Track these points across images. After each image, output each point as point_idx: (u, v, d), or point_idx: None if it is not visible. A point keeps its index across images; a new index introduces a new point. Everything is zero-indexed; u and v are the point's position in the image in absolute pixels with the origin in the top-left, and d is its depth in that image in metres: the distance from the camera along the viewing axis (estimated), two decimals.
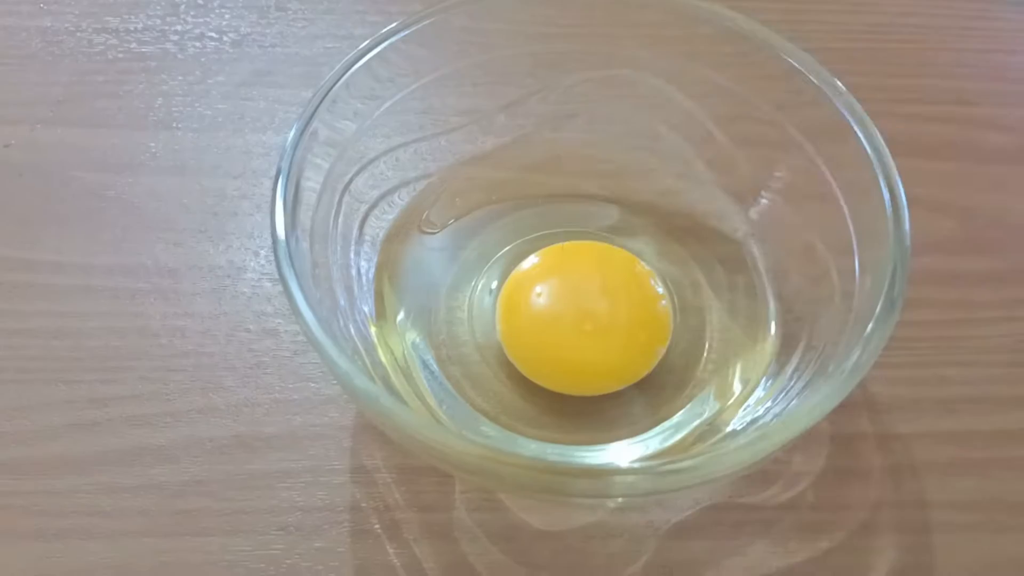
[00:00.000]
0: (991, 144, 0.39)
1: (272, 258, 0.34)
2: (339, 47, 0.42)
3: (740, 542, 0.29)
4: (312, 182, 0.27)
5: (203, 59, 0.41)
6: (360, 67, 0.28)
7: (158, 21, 0.42)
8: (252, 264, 0.34)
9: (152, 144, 0.38)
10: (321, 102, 0.27)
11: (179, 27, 0.42)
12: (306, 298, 0.23)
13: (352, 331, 0.27)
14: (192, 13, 0.43)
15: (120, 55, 0.41)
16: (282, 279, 0.23)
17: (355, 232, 0.30)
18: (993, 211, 0.37)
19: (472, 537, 0.28)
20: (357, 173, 0.30)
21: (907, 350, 0.33)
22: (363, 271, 0.30)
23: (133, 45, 0.41)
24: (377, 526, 0.29)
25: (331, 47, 0.42)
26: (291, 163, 0.25)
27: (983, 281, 0.35)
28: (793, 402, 0.25)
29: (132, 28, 0.42)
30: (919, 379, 0.32)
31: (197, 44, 0.42)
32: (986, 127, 0.40)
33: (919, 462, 0.30)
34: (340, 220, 0.29)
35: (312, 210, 0.27)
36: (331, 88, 0.27)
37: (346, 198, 0.29)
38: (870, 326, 0.23)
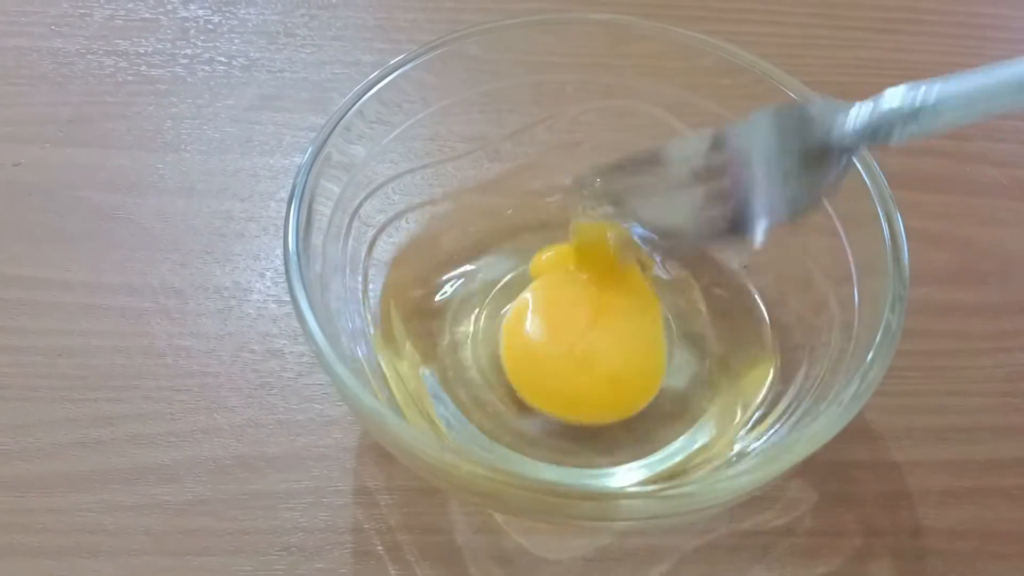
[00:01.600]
0: (985, 177, 0.40)
1: (278, 280, 0.35)
2: (347, 73, 0.42)
3: (737, 566, 0.29)
4: (324, 205, 0.27)
5: (212, 83, 0.42)
6: (373, 94, 0.29)
7: (168, 45, 0.43)
8: (258, 285, 0.35)
9: (160, 166, 0.38)
10: (336, 127, 0.27)
11: (189, 51, 0.43)
12: (316, 317, 0.23)
13: (359, 353, 0.28)
14: (202, 38, 0.44)
15: (130, 77, 0.42)
16: (293, 297, 0.24)
17: (363, 256, 0.30)
18: (987, 243, 0.38)
19: (474, 559, 0.29)
20: (366, 198, 0.30)
21: (902, 379, 0.33)
22: (371, 294, 0.30)
23: (143, 68, 0.42)
24: (379, 547, 0.29)
25: (339, 73, 0.42)
26: (305, 185, 0.26)
27: (977, 312, 0.36)
28: (793, 429, 0.25)
29: (142, 51, 0.43)
30: (914, 408, 0.33)
31: (206, 68, 0.42)
32: (979, 161, 0.41)
33: (914, 490, 0.31)
34: (350, 244, 0.29)
35: (323, 233, 0.27)
36: (345, 114, 0.28)
37: (355, 222, 0.30)
38: (869, 357, 0.23)
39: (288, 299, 0.34)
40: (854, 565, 0.29)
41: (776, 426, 0.27)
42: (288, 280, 0.24)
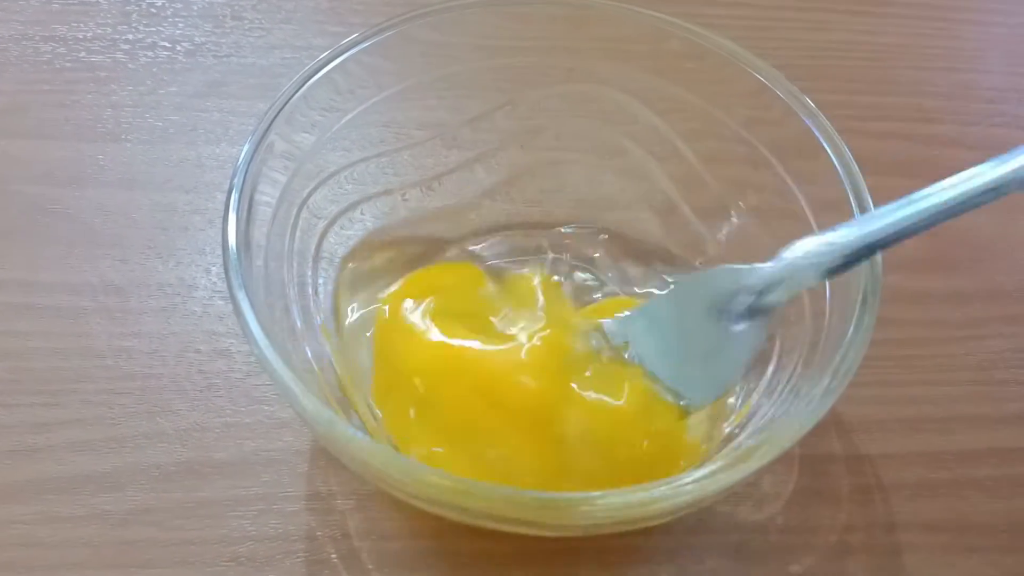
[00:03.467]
0: (955, 161, 0.39)
1: (224, 276, 0.33)
2: (297, 57, 0.41)
3: (708, 566, 0.28)
4: (267, 196, 0.26)
5: (155, 69, 0.40)
6: (319, 78, 0.27)
7: (108, 30, 0.41)
8: (203, 282, 0.33)
9: (100, 157, 0.36)
10: (278, 114, 0.26)
11: (130, 36, 0.41)
12: (258, 318, 0.22)
13: (308, 352, 0.26)
14: (144, 22, 0.42)
15: (68, 64, 0.40)
16: (233, 298, 0.22)
17: (313, 249, 0.29)
18: (958, 230, 0.37)
19: (430, 565, 0.27)
20: (316, 188, 0.29)
21: (873, 369, 0.32)
22: (320, 289, 0.29)
23: (82, 54, 0.40)
24: (334, 556, 0.27)
25: (289, 57, 0.41)
26: (245, 176, 0.24)
27: (948, 300, 0.35)
28: (763, 427, 0.24)
29: (81, 36, 0.41)
30: (886, 398, 0.32)
31: (149, 54, 0.40)
32: (949, 144, 0.40)
33: (888, 483, 0.30)
34: (297, 236, 0.28)
35: (267, 226, 0.25)
36: (289, 99, 0.26)
37: (304, 213, 0.28)
38: (839, 354, 0.22)
39: None
40: (828, 562, 0.28)
41: (749, 420, 0.26)
42: (227, 279, 0.23)
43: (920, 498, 0.30)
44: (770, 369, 0.27)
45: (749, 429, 0.25)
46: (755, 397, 0.27)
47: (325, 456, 0.29)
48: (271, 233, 0.26)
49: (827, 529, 0.29)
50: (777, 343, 0.27)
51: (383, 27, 0.28)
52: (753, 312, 0.24)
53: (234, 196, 0.24)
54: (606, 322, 0.28)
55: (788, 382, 0.25)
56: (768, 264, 0.24)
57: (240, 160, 0.25)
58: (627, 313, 0.28)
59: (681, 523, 0.28)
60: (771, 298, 0.24)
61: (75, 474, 0.28)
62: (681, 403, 0.26)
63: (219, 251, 0.33)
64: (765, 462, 0.21)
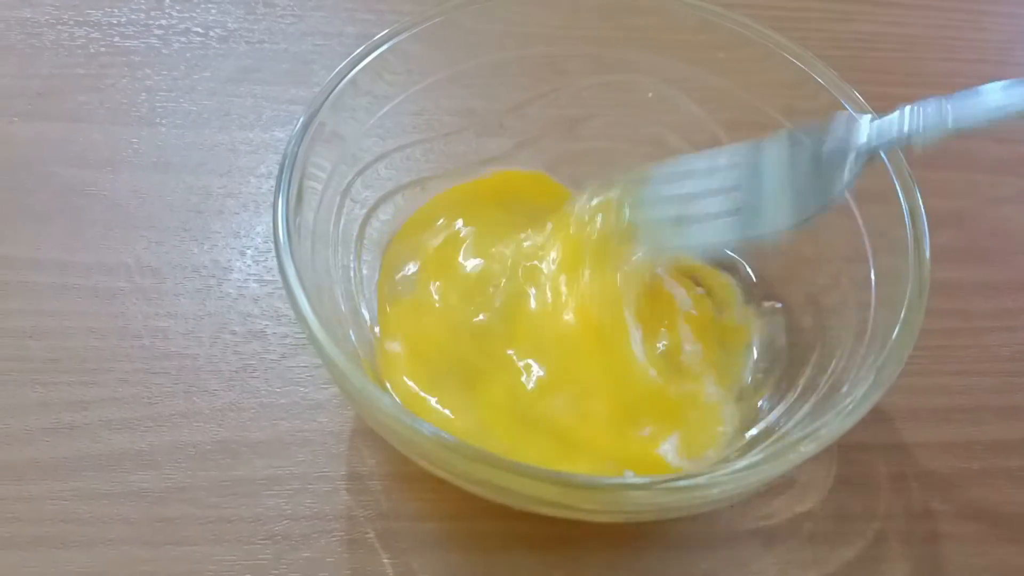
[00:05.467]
0: (987, 154, 0.39)
1: (259, 258, 0.33)
2: (328, 45, 0.41)
3: (741, 554, 0.28)
4: (315, 181, 0.26)
5: (188, 54, 0.40)
6: (367, 64, 0.27)
7: (142, 15, 0.41)
8: (238, 264, 0.33)
9: (135, 140, 0.37)
10: (328, 97, 0.26)
11: (164, 21, 0.41)
12: (307, 294, 0.22)
13: (352, 336, 0.26)
14: (177, 8, 0.42)
15: (102, 49, 0.40)
16: (283, 273, 0.22)
17: (355, 236, 0.29)
18: (990, 221, 0.37)
19: (463, 546, 0.28)
20: (358, 175, 0.29)
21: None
22: (365, 276, 0.29)
23: (116, 39, 0.40)
24: (369, 535, 0.28)
25: (320, 44, 0.41)
26: (296, 157, 0.24)
27: (980, 291, 0.35)
28: (805, 420, 0.24)
29: (115, 22, 0.41)
30: (919, 388, 0.32)
31: (182, 39, 0.41)
32: (981, 137, 0.40)
33: (920, 472, 0.30)
34: (341, 223, 0.28)
35: (314, 211, 0.26)
36: (337, 84, 0.26)
37: (347, 201, 0.28)
38: (887, 348, 0.22)
39: (271, 279, 0.33)
40: (864, 550, 0.28)
41: (790, 410, 0.26)
42: (277, 255, 0.23)
43: (954, 488, 0.30)
44: (812, 362, 0.27)
45: (791, 423, 0.25)
46: (795, 392, 0.27)
47: (359, 437, 0.29)
48: (317, 218, 0.26)
49: (861, 517, 0.29)
50: (822, 336, 0.27)
51: (428, 15, 0.28)
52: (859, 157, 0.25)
53: (285, 175, 0.24)
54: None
55: (831, 375, 0.25)
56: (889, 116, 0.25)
57: (290, 142, 0.25)
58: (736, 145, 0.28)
59: (719, 511, 0.29)
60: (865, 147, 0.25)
61: (112, 452, 0.29)
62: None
63: (254, 235, 0.34)
64: (806, 457, 0.21)
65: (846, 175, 0.25)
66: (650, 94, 0.31)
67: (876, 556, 0.28)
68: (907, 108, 0.24)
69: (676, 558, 0.28)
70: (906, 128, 0.24)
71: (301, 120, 0.25)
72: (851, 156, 0.25)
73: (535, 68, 0.32)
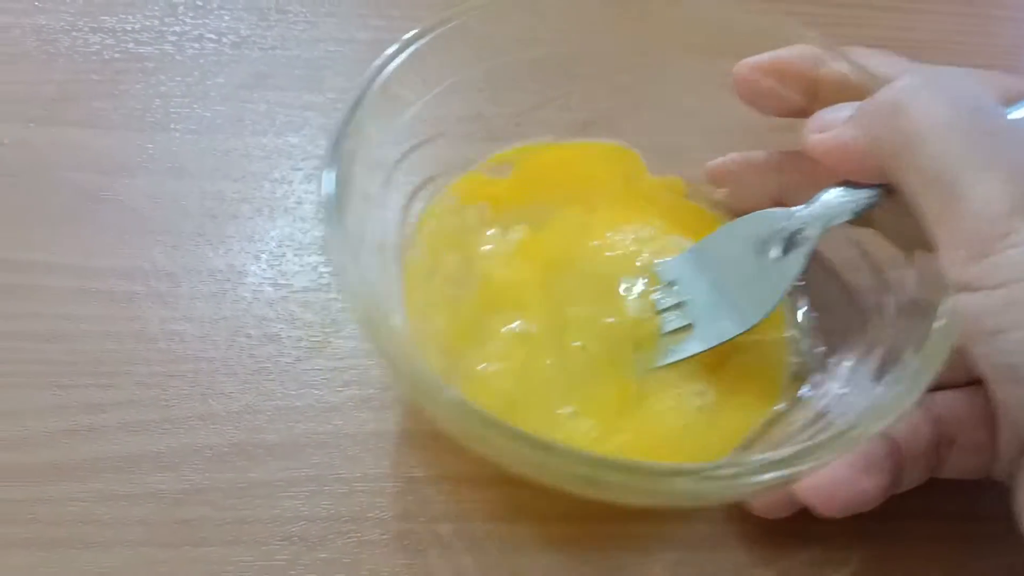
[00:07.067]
0: None
1: (273, 262, 0.34)
2: (341, 51, 0.41)
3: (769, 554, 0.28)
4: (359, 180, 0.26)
5: (202, 60, 0.40)
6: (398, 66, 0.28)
7: (156, 21, 0.42)
8: (253, 268, 0.34)
9: (149, 146, 0.37)
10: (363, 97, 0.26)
11: (177, 28, 0.42)
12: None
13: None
14: (191, 14, 0.42)
15: (117, 55, 0.40)
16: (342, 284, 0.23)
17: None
18: None
19: (483, 549, 0.28)
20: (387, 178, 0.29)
21: None
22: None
23: (130, 45, 0.41)
24: (385, 536, 0.28)
25: (333, 51, 0.41)
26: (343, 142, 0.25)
27: None
28: (851, 406, 0.25)
29: (129, 28, 0.41)
30: None
31: (196, 45, 0.41)
32: None
33: None
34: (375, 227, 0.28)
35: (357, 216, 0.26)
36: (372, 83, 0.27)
37: (377, 206, 0.28)
38: (928, 341, 0.23)
39: (285, 283, 0.33)
40: (834, 552, 0.29)
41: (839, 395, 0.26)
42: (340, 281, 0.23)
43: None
44: (853, 355, 0.27)
45: (828, 418, 0.25)
46: (833, 387, 0.27)
47: (375, 439, 0.30)
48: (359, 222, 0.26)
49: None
50: (865, 330, 0.28)
51: (446, 19, 0.29)
52: (790, 246, 0.28)
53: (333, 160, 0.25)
54: (659, 263, 0.31)
55: (871, 368, 0.26)
56: (803, 207, 0.27)
57: (335, 140, 0.25)
58: (678, 255, 0.31)
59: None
60: (807, 233, 0.27)
61: (130, 454, 0.29)
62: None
63: (268, 239, 0.34)
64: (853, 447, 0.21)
65: (798, 263, 0.27)
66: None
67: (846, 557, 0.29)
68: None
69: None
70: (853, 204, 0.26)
71: (343, 115, 0.26)
72: (805, 243, 0.27)
73: (548, 70, 0.32)
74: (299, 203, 0.36)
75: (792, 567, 0.28)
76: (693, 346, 0.29)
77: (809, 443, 0.21)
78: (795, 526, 0.27)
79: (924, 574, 0.29)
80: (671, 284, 0.30)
